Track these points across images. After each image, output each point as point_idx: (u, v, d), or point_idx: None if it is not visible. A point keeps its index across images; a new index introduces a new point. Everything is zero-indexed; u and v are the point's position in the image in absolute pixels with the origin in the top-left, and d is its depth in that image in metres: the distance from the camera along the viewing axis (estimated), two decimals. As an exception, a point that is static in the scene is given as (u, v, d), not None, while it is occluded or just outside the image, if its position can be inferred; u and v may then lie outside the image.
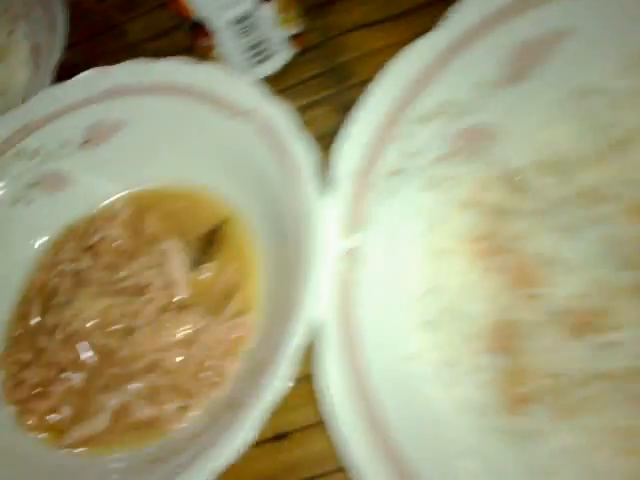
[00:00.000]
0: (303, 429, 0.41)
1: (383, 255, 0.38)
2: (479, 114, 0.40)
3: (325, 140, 0.42)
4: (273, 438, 0.41)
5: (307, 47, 0.52)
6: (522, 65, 0.40)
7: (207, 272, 0.43)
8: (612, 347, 0.34)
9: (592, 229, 0.36)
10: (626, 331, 0.34)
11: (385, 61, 0.42)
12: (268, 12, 0.47)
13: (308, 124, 0.50)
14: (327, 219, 0.37)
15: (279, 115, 0.39)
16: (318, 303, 0.35)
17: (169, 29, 0.57)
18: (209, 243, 0.44)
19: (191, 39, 0.49)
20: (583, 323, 0.35)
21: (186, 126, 0.44)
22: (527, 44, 0.39)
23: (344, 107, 0.43)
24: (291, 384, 0.32)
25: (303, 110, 0.51)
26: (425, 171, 0.39)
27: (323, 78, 0.52)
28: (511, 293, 0.36)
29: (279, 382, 0.32)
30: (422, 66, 0.40)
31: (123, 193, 0.48)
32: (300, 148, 0.37)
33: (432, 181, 0.39)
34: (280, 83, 0.52)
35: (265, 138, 0.40)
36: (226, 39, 0.47)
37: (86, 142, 0.46)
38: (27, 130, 0.47)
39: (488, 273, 0.37)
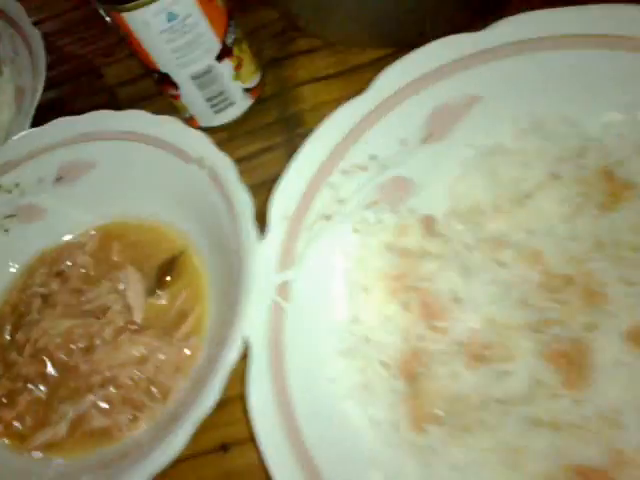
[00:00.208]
0: (244, 441, 0.45)
1: (312, 288, 0.43)
2: (402, 167, 0.45)
3: (274, 182, 0.47)
4: (218, 449, 0.46)
5: (264, 97, 0.57)
6: (439, 126, 0.45)
7: (162, 298, 0.48)
8: (504, 376, 0.39)
9: (492, 272, 0.41)
10: (516, 362, 0.39)
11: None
12: (225, 69, 0.52)
13: (261, 167, 0.56)
14: (263, 255, 0.42)
15: (223, 164, 0.44)
16: (250, 328, 0.40)
17: (143, 74, 0.62)
18: (165, 272, 0.49)
19: (159, 88, 0.55)
20: (479, 354, 0.39)
21: (147, 168, 0.49)
22: (443, 108, 0.45)
23: (294, 153, 0.48)
24: (217, 399, 0.37)
25: (258, 154, 0.57)
26: (352, 216, 0.44)
27: (277, 126, 0.57)
28: (420, 326, 0.41)
29: (210, 397, 0.37)
30: (352, 124, 0.45)
31: (91, 225, 0.52)
32: (240, 193, 0.42)
33: (358, 225, 0.44)
34: (239, 129, 0.57)
35: (215, 183, 0.45)
36: (188, 90, 0.52)
37: (59, 179, 0.51)
38: (7, 167, 0.51)
39: (401, 308, 0.41)
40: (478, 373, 0.39)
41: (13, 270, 0.53)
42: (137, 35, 0.48)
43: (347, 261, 0.44)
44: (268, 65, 0.59)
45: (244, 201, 0.42)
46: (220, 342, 0.40)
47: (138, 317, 0.47)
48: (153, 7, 0.46)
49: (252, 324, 0.40)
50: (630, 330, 0.37)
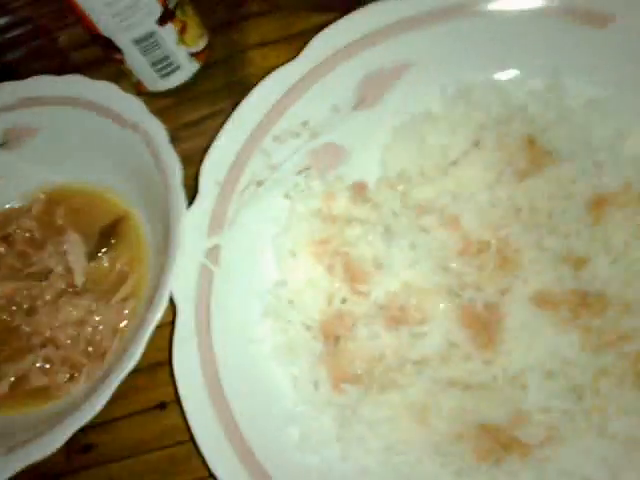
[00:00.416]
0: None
1: (241, 252, 0.43)
2: (333, 134, 0.45)
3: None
4: (156, 407, 0.47)
5: (212, 61, 0.57)
6: (370, 93, 0.45)
7: (103, 262, 0.49)
8: (420, 338, 0.40)
9: (414, 237, 0.41)
10: (432, 325, 0.40)
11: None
12: (169, 33, 0.51)
13: (206, 132, 0.54)
14: (192, 220, 0.42)
15: (156, 129, 0.44)
16: (177, 290, 0.40)
17: (94, 39, 0.62)
18: (107, 236, 0.49)
19: (104, 52, 0.54)
20: (397, 316, 0.40)
21: (87, 133, 0.49)
22: (374, 74, 0.44)
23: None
24: (139, 356, 0.38)
25: (204, 119, 0.56)
26: (284, 182, 0.44)
27: (224, 91, 0.56)
28: (342, 290, 0.41)
29: (132, 356, 0.38)
30: (284, 90, 0.45)
31: (36, 190, 0.53)
32: (170, 159, 0.43)
33: (289, 191, 0.45)
34: (186, 94, 0.56)
35: (149, 148, 0.45)
36: (132, 55, 0.52)
37: (4, 144, 0.51)
38: (-49, 131, 0.52)
39: (325, 272, 0.42)
40: (396, 335, 0.40)
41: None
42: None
43: (276, 226, 0.44)
44: (217, 28, 0.58)
45: (174, 167, 0.43)
46: (150, 304, 0.41)
47: (79, 280, 0.48)
48: (89, -31, 0.46)
49: (179, 286, 0.41)
50: (537, 294, 0.37)
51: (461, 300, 0.39)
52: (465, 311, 0.39)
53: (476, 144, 0.43)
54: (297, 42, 0.57)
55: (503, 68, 0.43)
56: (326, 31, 0.45)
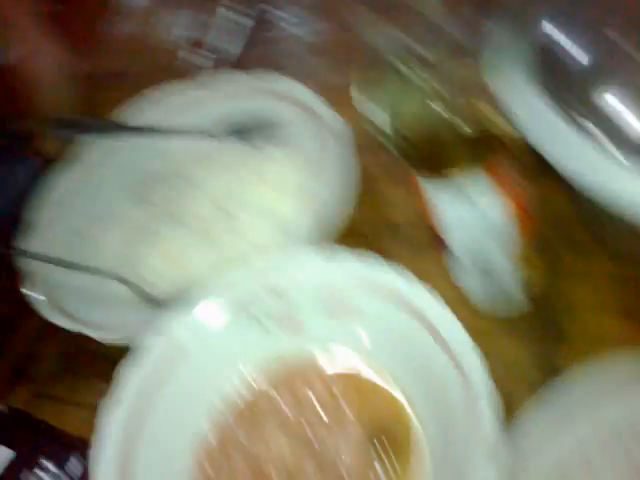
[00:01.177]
0: None
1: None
2: None
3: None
4: None
5: (534, 298, 0.49)
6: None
7: (378, 471, 0.41)
8: None
9: None
10: None
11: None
12: (510, 269, 0.45)
13: (507, 367, 0.47)
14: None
15: (467, 349, 0.37)
16: None
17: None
18: (387, 442, 0.43)
19: (435, 244, 0.48)
20: None
21: (406, 340, 0.43)
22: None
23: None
24: None
25: (511, 354, 0.48)
26: None
27: (537, 333, 0.48)
28: None
29: None
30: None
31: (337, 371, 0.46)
32: (480, 380, 0.35)
33: None
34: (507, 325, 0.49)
35: (453, 363, 0.38)
36: (462, 265, 0.46)
37: (327, 313, 0.47)
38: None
39: None
40: None
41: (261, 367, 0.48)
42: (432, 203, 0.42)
43: None
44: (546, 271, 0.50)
45: (485, 388, 0.35)
46: None
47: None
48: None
49: None
50: None
51: None
52: None
53: None
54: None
55: None
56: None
